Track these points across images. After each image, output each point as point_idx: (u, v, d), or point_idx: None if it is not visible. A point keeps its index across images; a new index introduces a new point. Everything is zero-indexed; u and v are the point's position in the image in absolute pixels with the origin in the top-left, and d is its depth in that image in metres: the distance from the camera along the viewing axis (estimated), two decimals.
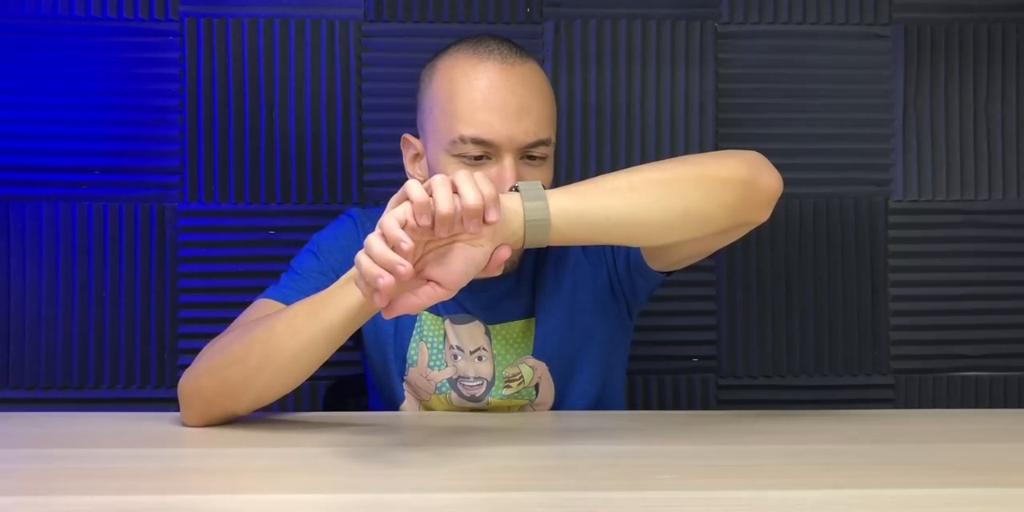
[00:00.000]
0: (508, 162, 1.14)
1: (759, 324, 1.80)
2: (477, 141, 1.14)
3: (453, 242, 0.93)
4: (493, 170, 1.15)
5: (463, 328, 1.27)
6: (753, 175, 1.05)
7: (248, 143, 1.73)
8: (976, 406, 1.80)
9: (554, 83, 1.75)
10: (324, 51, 1.74)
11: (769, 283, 1.80)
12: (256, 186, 1.73)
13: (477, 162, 1.15)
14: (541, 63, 1.75)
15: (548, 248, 1.27)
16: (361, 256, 0.90)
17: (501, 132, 1.14)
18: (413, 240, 0.88)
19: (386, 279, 0.87)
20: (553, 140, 1.20)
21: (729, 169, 1.04)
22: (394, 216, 0.90)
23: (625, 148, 1.77)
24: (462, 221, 0.90)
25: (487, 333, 1.27)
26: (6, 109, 1.71)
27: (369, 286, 0.89)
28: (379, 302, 0.90)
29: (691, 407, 1.79)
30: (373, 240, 0.89)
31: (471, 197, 0.90)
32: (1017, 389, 1.81)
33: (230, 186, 1.73)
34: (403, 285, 0.90)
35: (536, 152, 1.17)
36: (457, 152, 1.16)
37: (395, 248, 0.87)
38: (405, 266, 0.87)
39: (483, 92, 1.15)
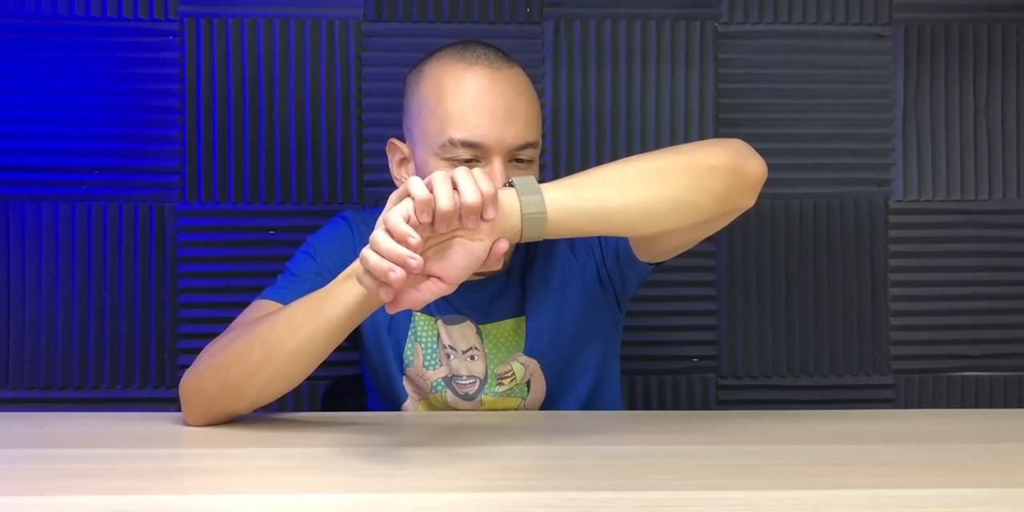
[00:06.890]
0: (497, 165, 1.16)
1: (759, 324, 1.80)
2: (467, 144, 1.16)
3: (452, 237, 0.94)
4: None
5: (455, 328, 1.28)
6: (739, 162, 1.07)
7: (248, 143, 1.73)
8: (976, 406, 1.80)
9: (554, 83, 1.76)
10: (324, 51, 1.74)
11: (769, 283, 1.80)
12: (256, 186, 1.73)
13: (466, 165, 1.16)
14: (541, 63, 1.76)
15: (537, 247, 1.28)
16: (367, 252, 0.90)
17: (491, 135, 1.15)
18: None
19: (398, 273, 0.87)
20: (540, 142, 1.22)
21: (716, 157, 1.06)
22: (398, 212, 0.91)
23: (625, 148, 1.77)
24: (461, 218, 0.92)
25: (478, 333, 1.28)
26: (6, 109, 1.71)
27: (376, 281, 0.90)
28: (385, 297, 0.91)
29: (691, 407, 1.79)
30: (380, 236, 0.90)
31: (470, 195, 0.91)
32: (1017, 389, 1.81)
33: (230, 186, 1.73)
34: (406, 281, 0.91)
35: (524, 155, 1.19)
36: (447, 155, 1.17)
37: (403, 243, 0.89)
38: (416, 259, 0.88)
39: (472, 96, 1.17)
